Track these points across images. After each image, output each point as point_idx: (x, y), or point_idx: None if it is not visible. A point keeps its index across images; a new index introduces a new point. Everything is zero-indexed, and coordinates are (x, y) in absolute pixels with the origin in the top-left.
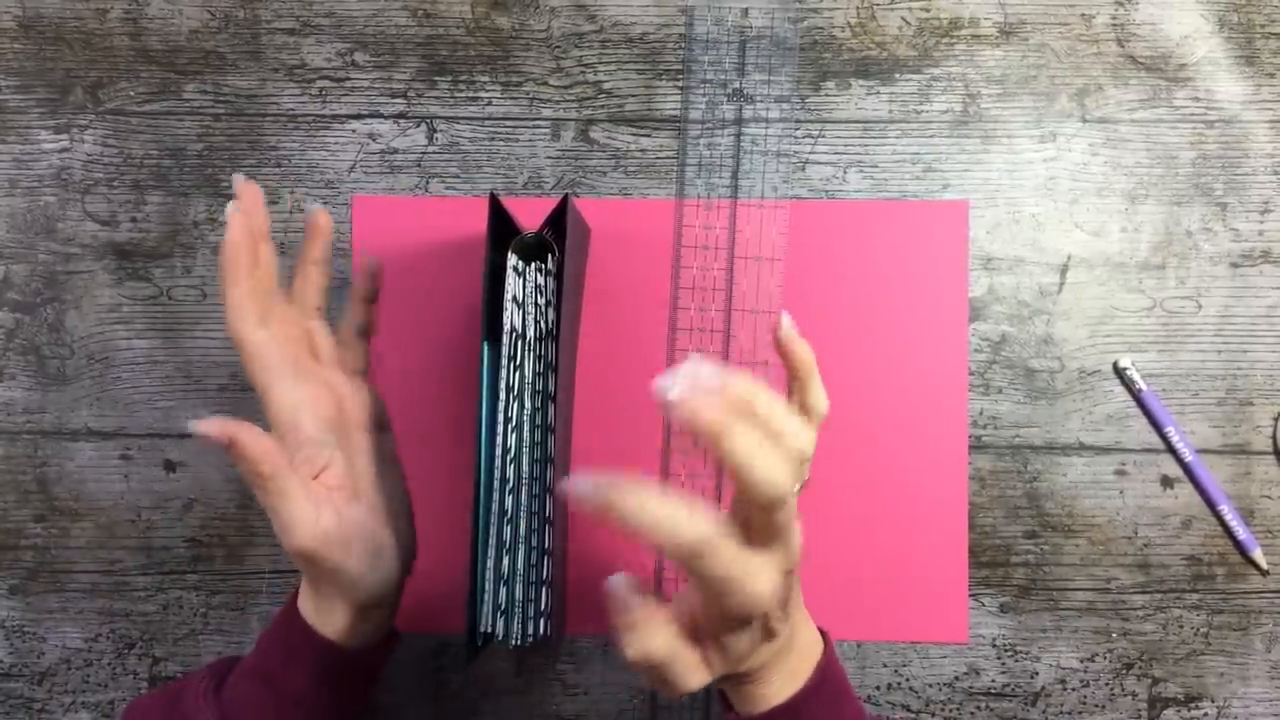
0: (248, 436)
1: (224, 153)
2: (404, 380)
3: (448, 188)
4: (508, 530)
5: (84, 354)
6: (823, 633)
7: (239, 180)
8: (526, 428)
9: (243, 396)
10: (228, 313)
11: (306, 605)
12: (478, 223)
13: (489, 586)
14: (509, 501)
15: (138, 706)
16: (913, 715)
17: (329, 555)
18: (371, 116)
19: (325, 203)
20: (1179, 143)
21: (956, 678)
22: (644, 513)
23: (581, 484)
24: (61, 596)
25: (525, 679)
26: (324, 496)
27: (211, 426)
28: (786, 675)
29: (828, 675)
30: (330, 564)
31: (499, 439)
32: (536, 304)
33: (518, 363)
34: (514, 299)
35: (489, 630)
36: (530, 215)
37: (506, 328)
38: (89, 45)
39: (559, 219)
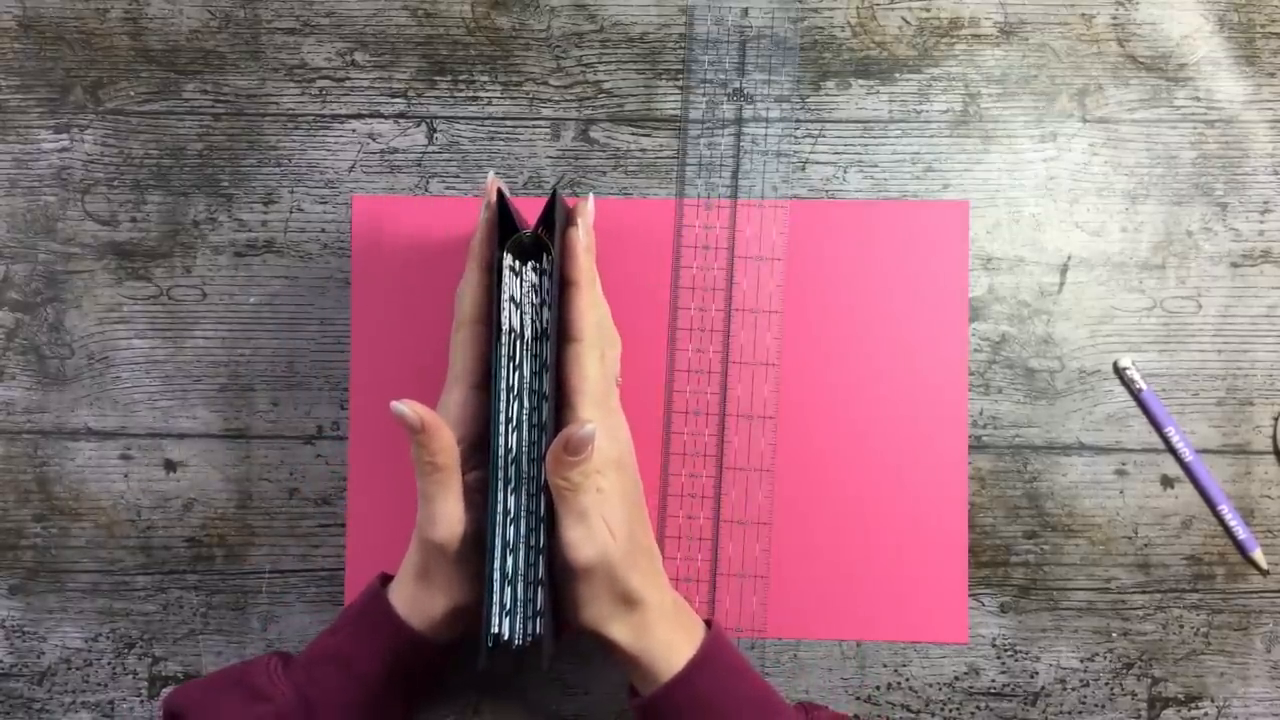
0: (437, 427)
1: (224, 153)
2: (403, 380)
3: (448, 188)
4: (511, 530)
5: (84, 354)
6: (709, 621)
7: (491, 177)
8: (525, 427)
9: (243, 397)
10: (463, 287)
11: (401, 594)
12: (477, 222)
13: (496, 587)
14: (511, 501)
15: (188, 692)
16: (913, 715)
17: (461, 551)
18: (371, 116)
19: (325, 202)
20: (1179, 143)
21: (956, 678)
22: None
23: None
24: (61, 596)
25: (525, 679)
26: (469, 497)
27: (408, 409)
28: (672, 652)
29: (716, 653)
30: (458, 560)
31: (501, 439)
32: (533, 303)
33: (517, 363)
34: (511, 299)
35: (498, 631)
36: (531, 215)
37: (505, 328)
38: (89, 45)
39: (549, 215)
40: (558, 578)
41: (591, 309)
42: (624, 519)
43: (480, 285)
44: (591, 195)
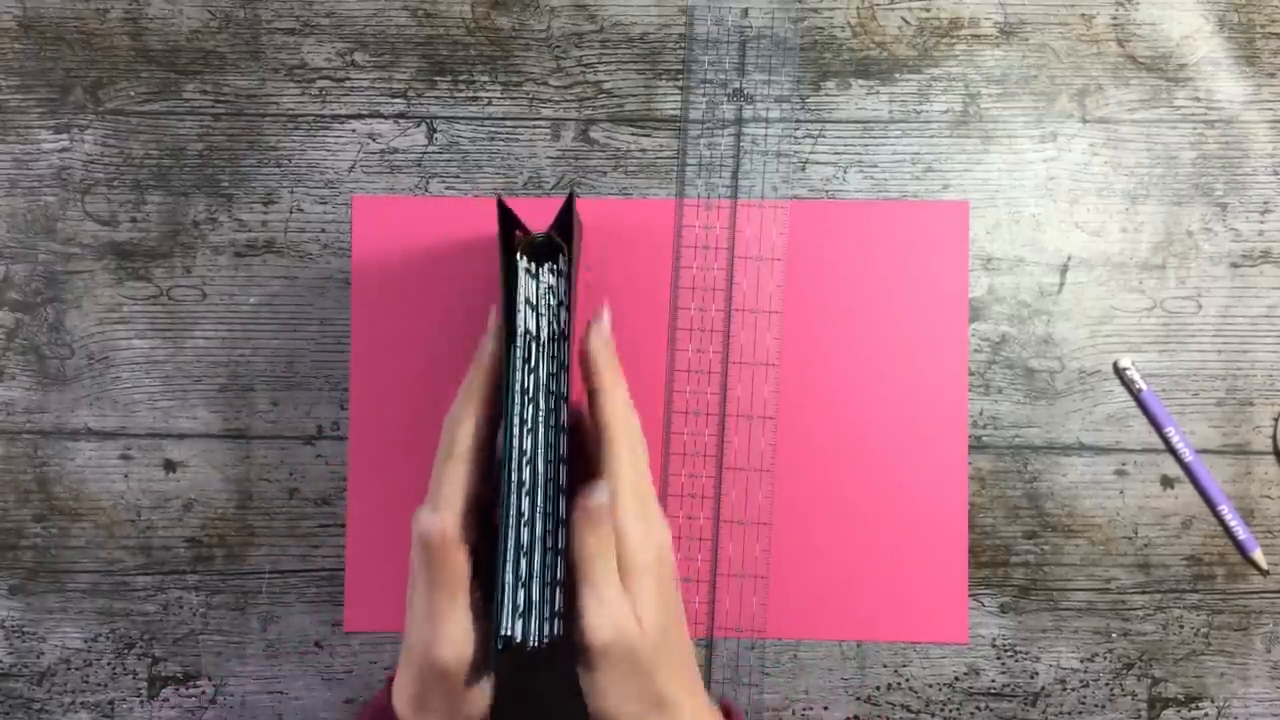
0: (455, 543)
1: (224, 153)
2: (403, 380)
3: (448, 188)
4: (525, 533)
5: (84, 354)
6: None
7: (492, 314)
8: (541, 430)
9: (243, 397)
10: (457, 417)
11: (405, 707)
12: (478, 223)
13: (509, 589)
14: (525, 504)
15: None
16: (913, 715)
17: (466, 676)
18: (371, 116)
19: (325, 202)
20: (1179, 143)
21: (956, 678)
22: None
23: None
24: (61, 596)
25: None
26: (475, 619)
27: (428, 524)
28: None
29: None
30: (461, 686)
31: (515, 441)
32: (549, 305)
33: (532, 365)
34: (527, 301)
35: (509, 634)
36: (530, 215)
37: (520, 330)
38: (89, 45)
39: (565, 218)
40: (574, 666)
41: (619, 413)
42: (657, 613)
43: (474, 420)
44: (606, 304)
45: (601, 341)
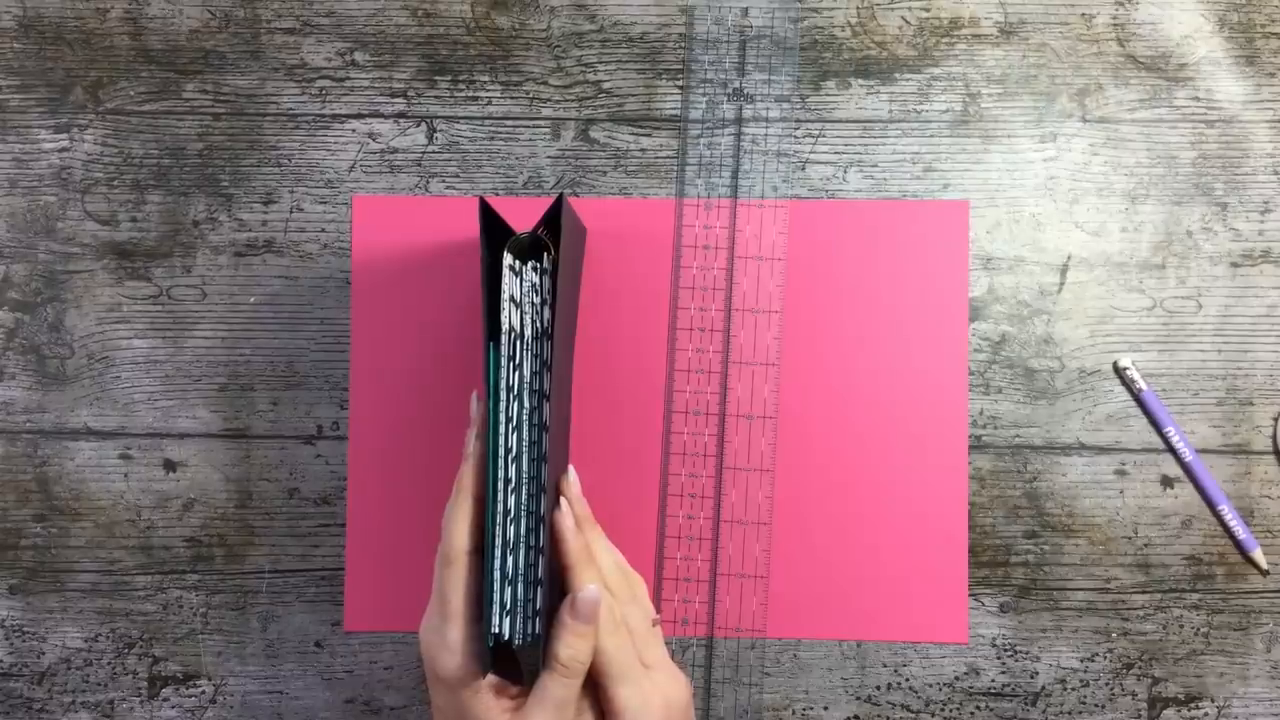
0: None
1: (224, 152)
2: (403, 380)
3: (448, 187)
4: (512, 529)
5: (84, 354)
6: None
7: (473, 401)
8: (525, 427)
9: (243, 397)
10: (452, 515)
11: None
12: (477, 223)
13: (497, 586)
14: (511, 500)
15: None
16: (913, 715)
17: (469, 692)
18: (371, 116)
19: (324, 202)
20: (1179, 142)
21: (956, 678)
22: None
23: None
24: (61, 596)
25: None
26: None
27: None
28: None
29: None
30: (468, 708)
31: (502, 439)
32: (533, 303)
33: (517, 362)
34: (511, 299)
35: (498, 631)
36: (530, 215)
37: (505, 328)
38: (89, 45)
39: (554, 218)
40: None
41: (592, 583)
42: None
43: (470, 517)
44: (572, 469)
45: (565, 514)
